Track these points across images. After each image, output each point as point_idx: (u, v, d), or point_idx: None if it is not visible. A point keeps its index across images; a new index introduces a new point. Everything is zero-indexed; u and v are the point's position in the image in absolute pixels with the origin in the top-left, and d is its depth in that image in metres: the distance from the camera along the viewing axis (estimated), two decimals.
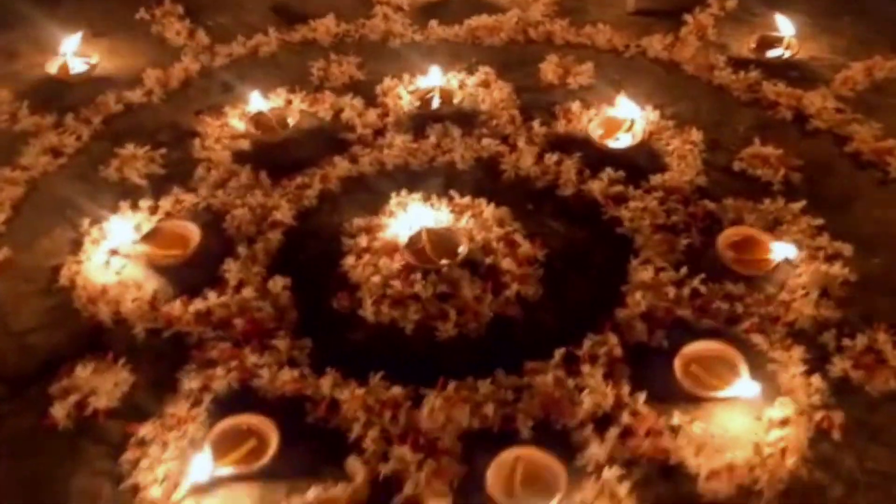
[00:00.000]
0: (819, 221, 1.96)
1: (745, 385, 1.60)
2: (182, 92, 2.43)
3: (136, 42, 2.59)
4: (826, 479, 1.51)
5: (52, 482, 1.51)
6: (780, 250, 1.85)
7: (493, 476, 1.46)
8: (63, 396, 1.64)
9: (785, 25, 2.52)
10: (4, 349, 1.74)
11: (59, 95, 2.38)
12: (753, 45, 2.53)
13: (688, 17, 2.64)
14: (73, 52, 2.46)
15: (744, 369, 1.63)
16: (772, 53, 2.47)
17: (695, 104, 2.34)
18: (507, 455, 1.49)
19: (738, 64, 2.46)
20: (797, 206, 2.00)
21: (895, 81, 2.41)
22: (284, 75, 2.45)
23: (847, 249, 1.90)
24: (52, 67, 2.44)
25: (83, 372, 1.66)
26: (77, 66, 2.44)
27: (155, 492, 1.49)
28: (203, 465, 1.47)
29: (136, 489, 1.50)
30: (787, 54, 2.47)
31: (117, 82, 2.44)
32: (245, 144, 2.24)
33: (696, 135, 2.21)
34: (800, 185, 2.08)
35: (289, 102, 2.35)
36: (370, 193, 2.08)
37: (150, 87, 2.42)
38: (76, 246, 1.95)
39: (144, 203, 2.03)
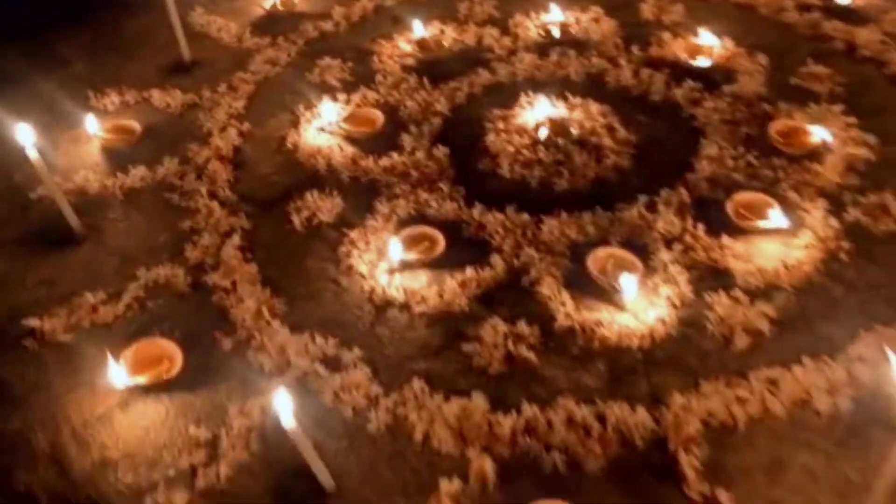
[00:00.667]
0: (853, 119, 2.55)
1: (777, 218, 2.23)
2: (361, 23, 3.19)
3: None
4: (830, 283, 2.12)
5: (293, 263, 2.27)
6: (818, 133, 2.46)
7: (592, 263, 2.15)
8: (298, 212, 2.39)
9: None
10: (254, 185, 2.52)
11: (272, 25, 3.18)
12: None
13: None
14: None
15: (778, 210, 2.25)
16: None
17: (764, 37, 2.94)
18: (602, 252, 2.18)
19: (804, 7, 3.04)
20: (837, 108, 2.59)
21: None
22: (439, 12, 3.17)
23: (872, 139, 2.48)
24: (266, 4, 3.24)
25: (310, 198, 2.42)
26: (281, 6, 3.23)
27: (362, 268, 2.23)
28: (394, 249, 2.21)
29: (349, 268, 2.24)
30: (847, 0, 3.03)
31: (312, 16, 3.21)
32: (410, 61, 2.97)
33: (762, 59, 2.82)
34: (843, 96, 2.66)
35: (442, 31, 3.07)
36: (505, 95, 2.77)
37: (337, 19, 3.18)
38: (295, 123, 2.72)
39: (341, 97, 2.79)
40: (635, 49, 2.92)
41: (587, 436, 1.79)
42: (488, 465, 1.73)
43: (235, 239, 2.29)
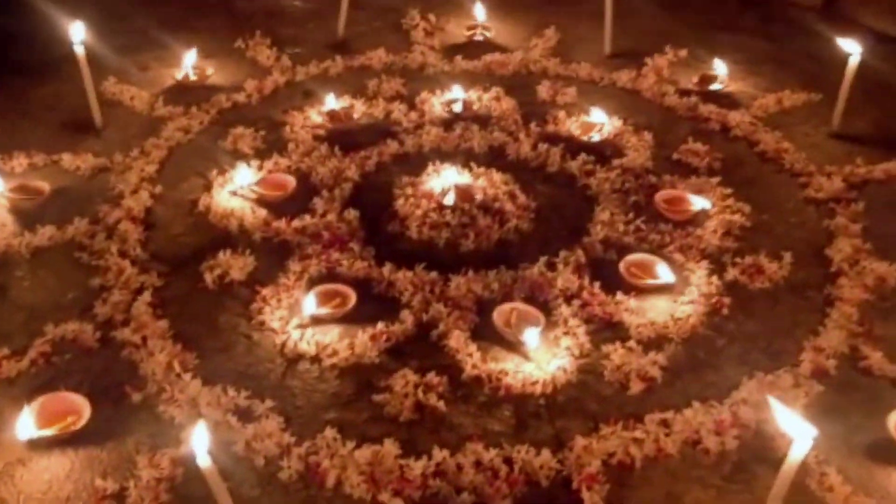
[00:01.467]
0: (729, 190, 2.81)
1: (665, 276, 2.41)
2: (273, 96, 3.31)
3: (237, 62, 3.48)
4: (714, 335, 2.30)
5: (205, 319, 2.30)
6: (699, 202, 2.69)
7: (497, 317, 2.27)
8: (210, 271, 2.44)
9: (721, 68, 3.42)
10: (165, 244, 2.55)
11: (184, 95, 3.26)
12: (696, 80, 3.42)
13: (648, 60, 3.53)
14: (191, 66, 3.35)
15: (666, 269, 2.44)
16: (711, 87, 3.35)
17: (648, 117, 3.21)
18: (506, 306, 2.30)
19: (683, 93, 3.34)
20: (715, 180, 2.84)
21: (797, 108, 3.28)
22: (348, 88, 3.32)
23: (746, 208, 2.73)
24: (178, 76, 3.33)
25: (222, 256, 2.47)
26: (194, 76, 3.32)
27: (274, 323, 2.28)
28: (307, 305, 2.28)
29: (261, 323, 2.29)
30: (720, 87, 3.36)
31: (225, 88, 3.31)
32: (321, 131, 3.09)
33: (647, 136, 3.08)
34: (719, 169, 2.92)
35: (352, 105, 3.22)
36: (413, 164, 2.92)
37: (249, 91, 3.29)
38: (207, 188, 2.78)
39: (254, 163, 2.87)
40: (533, 125, 3.12)
41: (495, 477, 1.86)
42: None
43: (146, 296, 2.31)
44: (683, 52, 3.59)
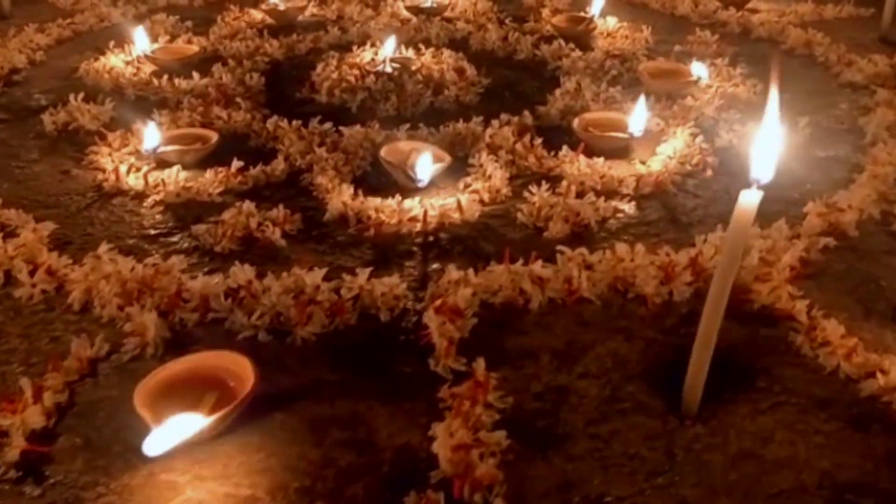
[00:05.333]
0: (738, 70, 2.18)
1: (634, 131, 1.79)
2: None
3: None
4: (688, 195, 1.66)
5: (28, 160, 1.80)
6: (696, 72, 2.07)
7: (387, 152, 1.68)
8: (52, 116, 1.94)
9: None
10: (19, 99, 2.10)
11: None
12: None
13: None
14: None
15: (636, 124, 1.81)
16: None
17: (651, 21, 2.63)
18: (403, 145, 1.72)
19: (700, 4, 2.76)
20: (722, 60, 2.22)
21: (841, 19, 2.68)
22: None
23: (757, 86, 2.10)
24: None
25: (74, 104, 1.98)
26: None
27: (106, 163, 1.75)
28: (150, 139, 1.75)
29: (90, 163, 1.77)
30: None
31: None
32: (259, 24, 2.63)
33: (646, 31, 2.49)
34: (731, 58, 2.30)
35: (303, 6, 2.76)
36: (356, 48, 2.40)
37: None
38: (100, 56, 2.32)
39: (163, 39, 2.42)
40: (509, 21, 2.58)
41: (312, 303, 1.24)
42: (153, 321, 1.18)
43: None
44: None
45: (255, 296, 1.26)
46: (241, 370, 1.05)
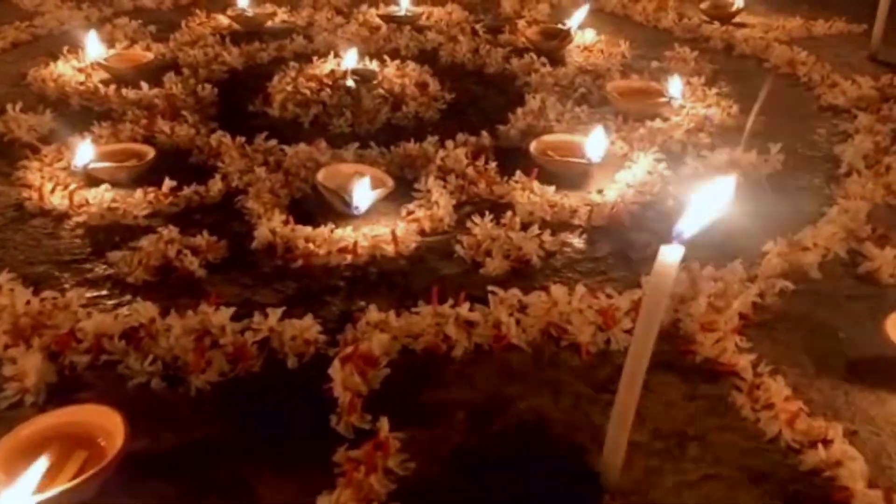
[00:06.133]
0: (714, 90, 2.07)
1: (592, 156, 1.68)
2: (189, 6, 2.78)
3: None
4: (642, 229, 1.55)
5: None
6: (669, 92, 1.96)
7: (325, 177, 1.58)
8: None
9: None
10: None
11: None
12: (704, 6, 2.71)
13: None
14: None
15: (595, 147, 1.71)
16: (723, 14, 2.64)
17: (632, 34, 2.52)
18: (345, 167, 1.62)
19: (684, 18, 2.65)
20: (699, 79, 2.11)
21: (830, 36, 2.56)
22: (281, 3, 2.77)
23: (733, 108, 1.99)
24: None
25: (12, 113, 1.88)
26: None
27: (33, 178, 1.65)
28: (82, 155, 1.66)
29: (18, 179, 1.67)
30: (735, 13, 2.65)
31: None
32: (225, 31, 2.53)
33: (623, 45, 2.38)
34: (710, 77, 2.19)
35: (272, 12, 2.66)
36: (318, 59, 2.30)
37: None
38: (51, 61, 2.22)
39: (120, 46, 2.32)
40: (482, 31, 2.48)
41: (211, 346, 1.14)
42: (35, 365, 1.08)
43: None
44: None
45: (154, 336, 1.16)
46: (113, 427, 0.96)
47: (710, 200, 0.88)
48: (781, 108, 2.03)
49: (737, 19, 2.66)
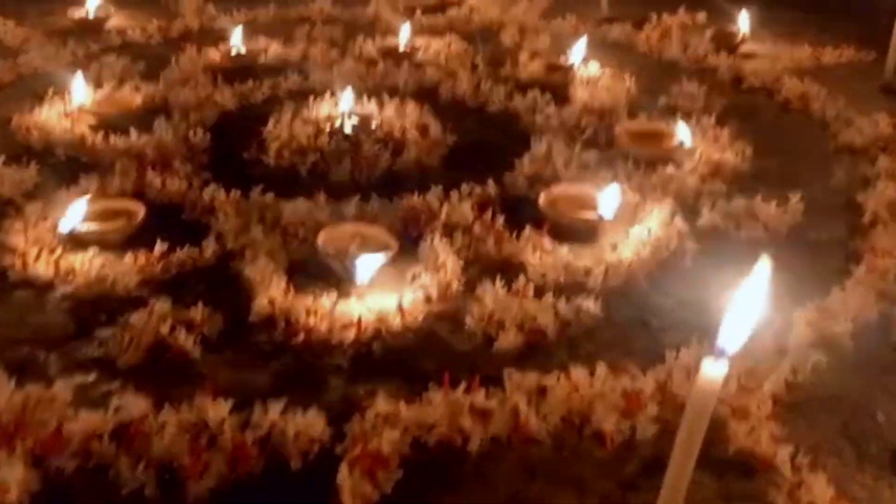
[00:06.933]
0: (726, 131, 1.99)
1: (605, 211, 1.60)
2: (179, 39, 2.70)
3: (158, 11, 2.90)
4: (660, 291, 1.47)
5: None
6: (680, 135, 1.89)
7: (327, 238, 1.50)
8: None
9: (744, 22, 2.63)
10: None
11: (70, 35, 2.68)
12: (710, 36, 2.63)
13: (654, 17, 2.77)
14: (94, 7, 2.79)
15: (609, 201, 1.63)
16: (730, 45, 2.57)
17: (640, 67, 2.44)
18: (347, 227, 1.53)
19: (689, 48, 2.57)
20: (709, 118, 2.03)
21: (841, 65, 2.48)
22: (272, 32, 2.68)
23: (747, 150, 1.92)
24: (76, 15, 2.77)
25: None
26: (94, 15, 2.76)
27: (16, 242, 1.56)
28: (69, 218, 1.57)
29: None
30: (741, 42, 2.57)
31: (128, 28, 2.73)
32: (217, 66, 2.45)
33: (629, 80, 2.30)
34: (720, 114, 2.11)
35: (266, 47, 2.57)
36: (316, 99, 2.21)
37: (151, 32, 2.70)
38: (37, 104, 2.14)
39: (108, 85, 2.24)
40: (481, 66, 2.40)
41: (209, 446, 1.06)
42: (18, 477, 0.99)
43: None
44: (702, 15, 2.80)
45: (147, 435, 1.07)
46: None
47: (749, 303, 0.80)
48: (797, 149, 1.96)
49: (744, 49, 2.57)
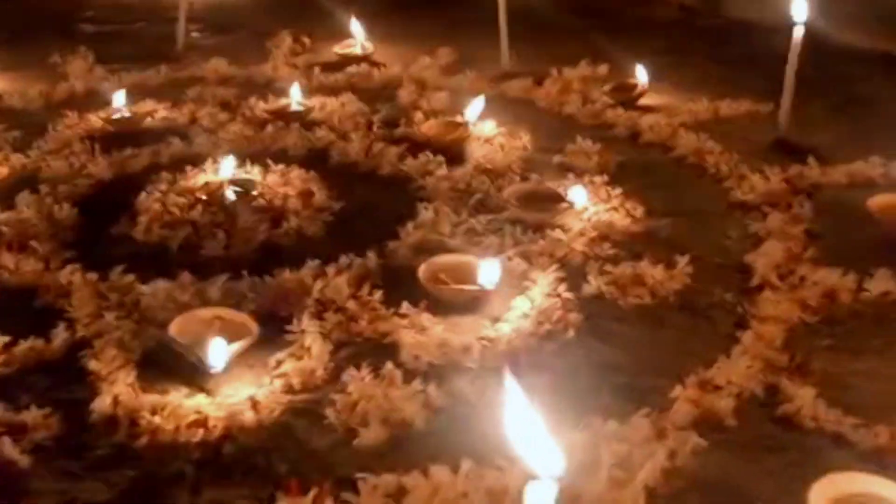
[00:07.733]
0: (618, 190, 1.95)
1: (486, 281, 1.53)
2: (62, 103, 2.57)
3: (47, 76, 2.76)
4: (541, 367, 1.40)
5: None
6: (572, 197, 1.83)
7: (179, 326, 1.39)
8: None
9: (642, 75, 2.62)
10: None
11: None
12: (607, 89, 2.61)
13: (554, 72, 2.74)
14: None
15: (490, 271, 1.55)
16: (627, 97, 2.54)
17: (536, 124, 2.40)
18: (205, 312, 1.42)
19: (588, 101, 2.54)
20: (601, 178, 1.99)
21: (739, 116, 2.46)
22: (164, 97, 2.58)
23: (638, 210, 1.88)
24: None
25: None
26: None
27: None
28: None
29: None
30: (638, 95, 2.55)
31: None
32: (97, 133, 2.32)
33: (524, 137, 2.26)
34: (613, 173, 2.07)
35: (151, 110, 2.46)
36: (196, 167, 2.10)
37: (32, 96, 2.56)
38: None
39: None
40: (377, 127, 2.32)
41: None
42: None
43: None
44: (603, 68, 2.78)
45: None
46: None
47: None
48: (691, 207, 1.92)
49: (642, 101, 2.55)
